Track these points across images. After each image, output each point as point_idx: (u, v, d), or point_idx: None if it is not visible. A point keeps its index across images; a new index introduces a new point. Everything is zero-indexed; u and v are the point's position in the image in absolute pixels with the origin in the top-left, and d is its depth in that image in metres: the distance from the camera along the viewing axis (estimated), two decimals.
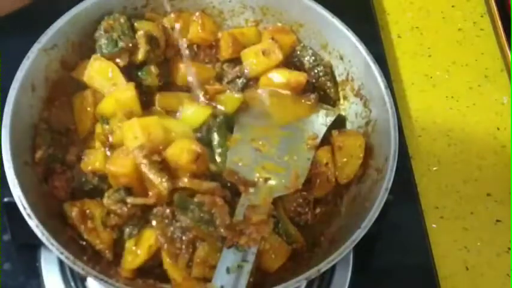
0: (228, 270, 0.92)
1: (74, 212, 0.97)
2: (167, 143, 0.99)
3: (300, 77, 1.11)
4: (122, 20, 1.08)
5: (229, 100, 1.09)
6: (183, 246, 0.95)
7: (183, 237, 0.95)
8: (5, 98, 0.99)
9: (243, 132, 1.06)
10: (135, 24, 1.09)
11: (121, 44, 1.06)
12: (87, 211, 0.98)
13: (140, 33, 1.07)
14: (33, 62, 1.02)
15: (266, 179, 1.02)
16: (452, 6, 1.53)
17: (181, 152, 0.98)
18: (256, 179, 1.02)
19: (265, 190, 1.00)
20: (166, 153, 0.98)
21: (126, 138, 0.99)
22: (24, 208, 0.92)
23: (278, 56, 1.11)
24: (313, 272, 0.92)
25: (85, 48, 1.08)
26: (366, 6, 1.47)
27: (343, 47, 1.12)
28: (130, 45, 1.06)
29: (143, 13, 1.13)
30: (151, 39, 1.08)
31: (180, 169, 0.97)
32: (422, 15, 1.51)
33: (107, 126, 1.03)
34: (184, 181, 0.97)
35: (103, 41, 1.06)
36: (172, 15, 1.12)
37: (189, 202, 0.96)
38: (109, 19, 1.08)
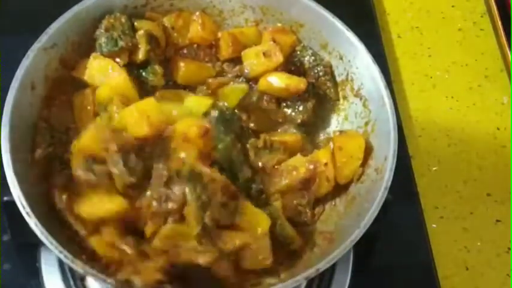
0: None
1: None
2: (170, 122, 0.98)
3: (300, 84, 1.11)
4: (123, 20, 1.08)
5: (233, 92, 1.09)
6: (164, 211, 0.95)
7: (168, 204, 0.95)
8: (5, 97, 0.99)
9: None
10: (135, 23, 1.09)
11: (121, 43, 1.06)
12: None
13: (140, 32, 1.07)
14: (33, 61, 1.02)
15: None
16: (452, 6, 1.53)
17: (190, 126, 0.97)
18: None
19: None
20: (174, 128, 0.97)
21: (129, 127, 0.98)
22: (24, 207, 0.92)
23: (279, 58, 1.11)
24: (312, 272, 0.92)
25: (85, 47, 1.08)
26: (366, 6, 1.47)
27: (343, 47, 1.11)
28: (130, 44, 1.06)
29: (143, 12, 1.12)
30: (151, 39, 1.08)
31: (187, 144, 0.97)
32: (422, 15, 1.51)
33: (105, 114, 1.02)
34: (191, 154, 0.96)
35: (103, 40, 1.06)
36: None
37: (198, 179, 0.95)
38: (110, 18, 1.08)
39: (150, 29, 1.08)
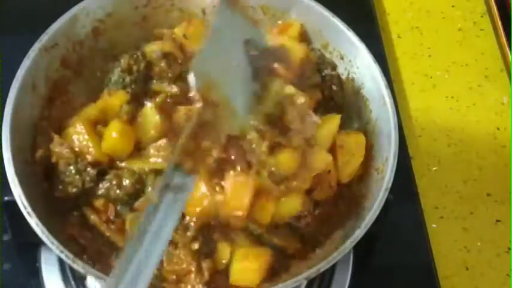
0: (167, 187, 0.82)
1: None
2: None
3: (317, 94, 1.09)
4: (142, 66, 1.06)
5: None
6: None
7: None
8: (6, 98, 0.99)
9: None
10: (146, 49, 1.07)
11: (128, 89, 1.05)
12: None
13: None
14: (34, 61, 1.01)
15: None
16: (452, 6, 1.53)
17: None
18: None
19: None
20: None
21: None
22: (25, 207, 0.92)
23: (303, 49, 1.09)
24: (312, 272, 0.92)
25: (86, 47, 1.08)
26: (366, 6, 1.47)
27: (343, 47, 1.11)
28: (136, 92, 1.06)
29: (144, 13, 1.12)
30: (166, 56, 1.06)
31: None
32: (422, 15, 1.51)
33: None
34: None
35: (114, 77, 1.06)
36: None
37: None
38: (131, 59, 1.06)
39: (162, 49, 1.07)
